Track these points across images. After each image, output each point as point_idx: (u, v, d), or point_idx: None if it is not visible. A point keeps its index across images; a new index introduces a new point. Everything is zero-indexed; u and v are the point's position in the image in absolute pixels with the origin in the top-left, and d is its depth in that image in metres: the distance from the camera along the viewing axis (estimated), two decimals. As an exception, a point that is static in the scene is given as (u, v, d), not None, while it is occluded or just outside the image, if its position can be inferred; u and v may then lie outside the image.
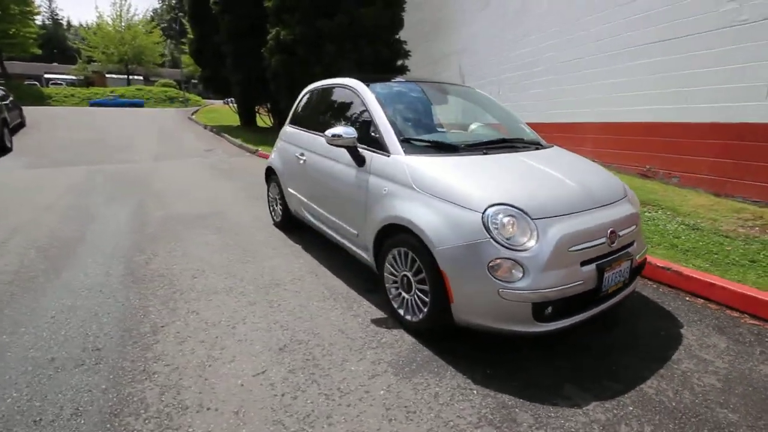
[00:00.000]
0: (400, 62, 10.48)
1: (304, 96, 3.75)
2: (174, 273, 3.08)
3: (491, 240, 1.81)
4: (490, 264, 1.80)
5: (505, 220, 1.84)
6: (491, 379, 1.87)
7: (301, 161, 3.32)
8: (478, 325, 1.92)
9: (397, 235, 2.23)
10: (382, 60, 9.98)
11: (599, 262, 1.94)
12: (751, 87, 3.93)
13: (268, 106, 13.58)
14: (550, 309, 1.84)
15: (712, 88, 4.27)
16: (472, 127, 3.06)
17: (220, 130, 13.76)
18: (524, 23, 7.21)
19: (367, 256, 2.61)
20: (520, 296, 1.78)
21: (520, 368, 1.94)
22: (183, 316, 2.44)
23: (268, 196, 4.35)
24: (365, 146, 2.53)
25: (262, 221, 4.43)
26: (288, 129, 3.85)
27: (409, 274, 2.19)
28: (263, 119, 14.35)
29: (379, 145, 2.43)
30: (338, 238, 2.94)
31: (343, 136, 2.47)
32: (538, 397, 1.75)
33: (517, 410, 1.68)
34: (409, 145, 2.33)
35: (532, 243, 1.81)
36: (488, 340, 2.12)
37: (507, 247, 1.80)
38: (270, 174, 4.18)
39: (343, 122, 2.88)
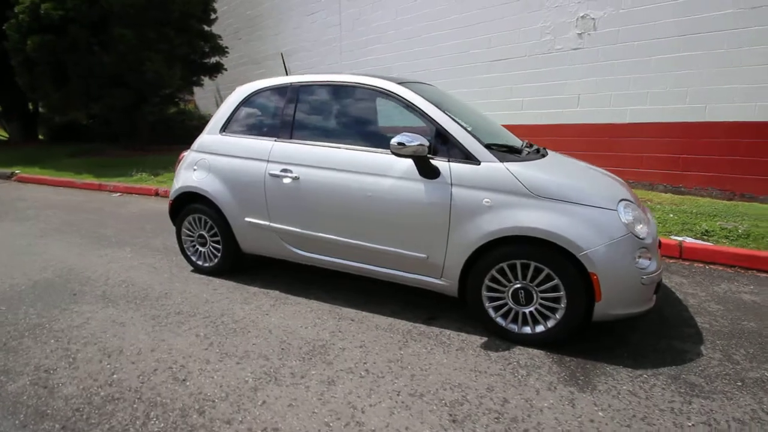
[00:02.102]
0: (215, 59, 9.10)
1: (250, 97, 2.82)
2: (134, 386, 1.85)
3: (630, 234, 1.95)
4: (634, 256, 1.95)
5: (632, 213, 2.02)
6: (635, 359, 2.02)
7: (286, 180, 2.54)
8: (617, 316, 2.03)
9: (503, 249, 2.08)
10: (197, 54, 8.44)
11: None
12: (568, 98, 5.48)
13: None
14: (657, 284, 2.16)
15: (541, 99, 5.70)
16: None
17: None
18: (365, 33, 7.55)
19: (438, 281, 2.29)
20: (653, 278, 2.01)
21: (635, 344, 2.17)
22: (260, 443, 1.53)
23: (181, 234, 3.09)
24: (431, 156, 2.21)
25: (169, 272, 3.13)
26: (227, 139, 2.83)
27: (528, 286, 2.08)
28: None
29: (458, 154, 2.16)
30: (378, 269, 2.44)
31: (410, 144, 2.08)
32: (668, 360, 2.01)
33: (682, 375, 1.91)
34: (493, 151, 2.17)
35: (647, 230, 2.06)
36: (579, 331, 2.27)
37: (639, 237, 1.98)
38: (188, 203, 2.98)
39: (372, 131, 2.38)
